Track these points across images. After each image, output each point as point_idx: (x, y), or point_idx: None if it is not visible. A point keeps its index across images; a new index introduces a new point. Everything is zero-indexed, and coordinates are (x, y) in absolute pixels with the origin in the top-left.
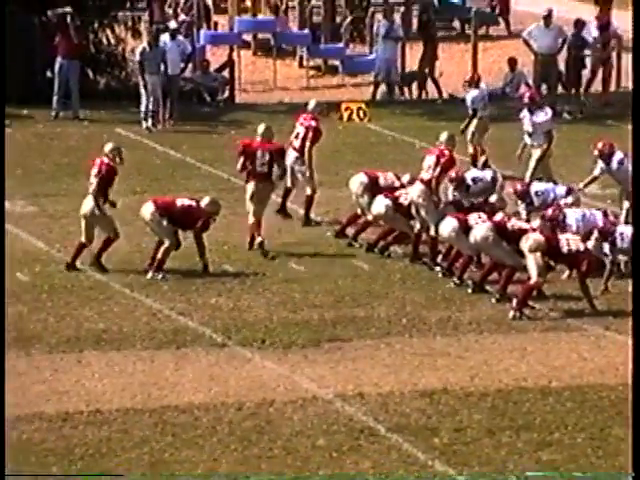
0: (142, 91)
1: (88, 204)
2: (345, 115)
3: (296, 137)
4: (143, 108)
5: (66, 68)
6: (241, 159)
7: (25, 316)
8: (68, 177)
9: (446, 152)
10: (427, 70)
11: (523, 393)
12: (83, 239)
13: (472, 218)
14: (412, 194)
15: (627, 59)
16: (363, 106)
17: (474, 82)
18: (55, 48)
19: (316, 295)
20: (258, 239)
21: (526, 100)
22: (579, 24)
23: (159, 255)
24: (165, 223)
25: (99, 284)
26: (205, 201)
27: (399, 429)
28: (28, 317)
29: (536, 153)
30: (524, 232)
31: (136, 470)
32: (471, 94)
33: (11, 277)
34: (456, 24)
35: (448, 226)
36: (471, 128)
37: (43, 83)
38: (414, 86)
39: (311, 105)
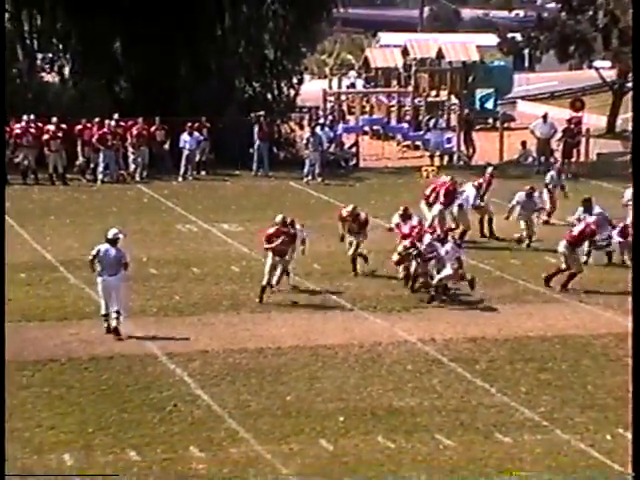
0: (306, 161)
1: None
2: (424, 175)
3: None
4: (305, 171)
5: (262, 147)
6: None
7: (237, 291)
8: (261, 210)
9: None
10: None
11: (530, 339)
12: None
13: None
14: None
15: (592, 142)
16: (435, 169)
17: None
18: (254, 135)
19: None
20: None
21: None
22: (571, 121)
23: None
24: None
25: None
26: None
27: (455, 360)
28: (238, 292)
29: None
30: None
31: (299, 382)
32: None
33: (228, 268)
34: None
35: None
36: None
37: (248, 155)
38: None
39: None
